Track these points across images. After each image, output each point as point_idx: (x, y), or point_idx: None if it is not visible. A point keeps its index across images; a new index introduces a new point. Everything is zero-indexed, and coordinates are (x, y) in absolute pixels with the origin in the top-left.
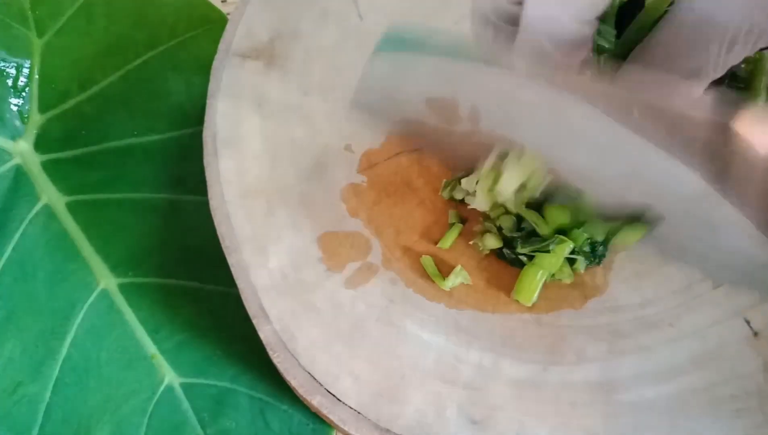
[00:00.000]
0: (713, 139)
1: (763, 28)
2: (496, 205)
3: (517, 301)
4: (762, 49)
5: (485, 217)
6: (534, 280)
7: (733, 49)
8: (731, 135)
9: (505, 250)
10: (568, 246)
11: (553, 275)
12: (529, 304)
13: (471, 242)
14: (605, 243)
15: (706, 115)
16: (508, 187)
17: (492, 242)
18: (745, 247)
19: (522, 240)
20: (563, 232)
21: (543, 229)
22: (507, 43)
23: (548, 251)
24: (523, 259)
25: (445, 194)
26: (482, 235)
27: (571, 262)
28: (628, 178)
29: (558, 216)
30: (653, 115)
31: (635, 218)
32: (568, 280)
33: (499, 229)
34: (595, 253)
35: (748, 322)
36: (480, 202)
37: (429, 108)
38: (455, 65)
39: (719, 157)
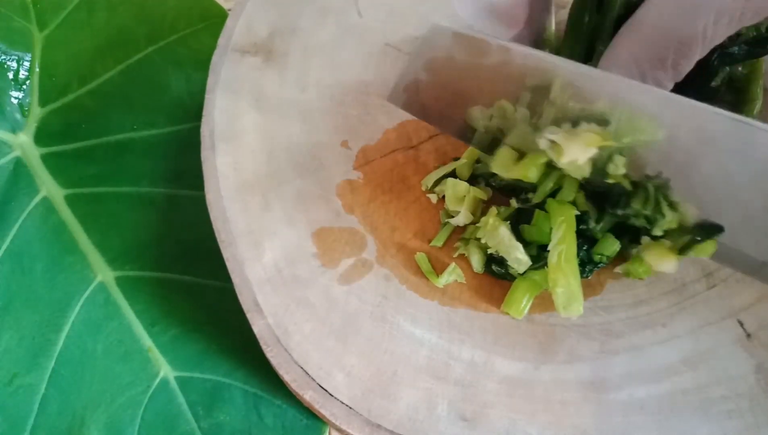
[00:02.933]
0: None
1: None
2: (472, 230)
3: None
4: (758, 54)
5: (464, 239)
6: (525, 294)
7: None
8: None
9: (494, 267)
10: None
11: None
12: (520, 317)
13: (455, 255)
14: (598, 261)
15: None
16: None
17: (478, 265)
18: None
19: None
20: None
21: (528, 251)
22: None
23: (540, 268)
24: (513, 273)
25: (424, 187)
26: (466, 244)
27: None
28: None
29: (535, 234)
30: None
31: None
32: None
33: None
34: (584, 269)
35: (741, 324)
36: (459, 219)
37: (456, 42)
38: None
39: None
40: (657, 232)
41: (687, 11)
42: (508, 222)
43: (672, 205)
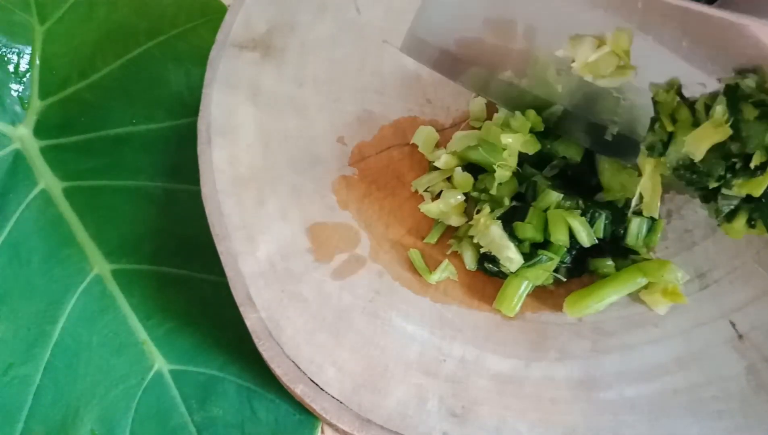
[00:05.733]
0: None
1: None
2: (465, 228)
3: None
4: None
5: (457, 237)
6: (517, 292)
7: None
8: None
9: (486, 265)
10: (555, 263)
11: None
12: (512, 315)
13: (448, 252)
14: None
15: None
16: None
17: (470, 262)
18: None
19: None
20: (547, 242)
21: (520, 249)
22: None
23: (533, 266)
24: (506, 271)
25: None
26: (459, 242)
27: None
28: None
29: (528, 231)
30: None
31: None
32: (551, 287)
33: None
34: (578, 267)
35: (733, 325)
36: (453, 219)
37: (486, 27)
38: None
39: None
40: None
41: None
42: (500, 220)
43: None
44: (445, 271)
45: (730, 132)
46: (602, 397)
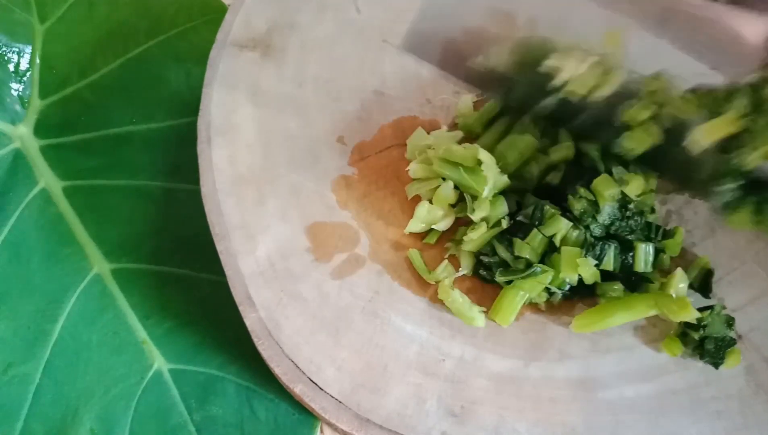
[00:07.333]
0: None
1: None
2: (463, 230)
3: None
4: None
5: (455, 240)
6: (513, 303)
7: None
8: None
9: (482, 272)
10: (548, 275)
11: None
12: (506, 326)
13: (446, 256)
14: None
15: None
16: None
17: (466, 268)
18: None
19: (498, 266)
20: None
21: (515, 264)
22: None
23: (527, 278)
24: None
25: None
26: (457, 245)
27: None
28: None
29: (525, 251)
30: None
31: None
32: (542, 306)
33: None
34: (575, 291)
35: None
36: (441, 224)
37: (487, 17)
38: None
39: None
40: None
41: None
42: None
43: None
44: (445, 271)
45: (744, 125)
46: (601, 397)
